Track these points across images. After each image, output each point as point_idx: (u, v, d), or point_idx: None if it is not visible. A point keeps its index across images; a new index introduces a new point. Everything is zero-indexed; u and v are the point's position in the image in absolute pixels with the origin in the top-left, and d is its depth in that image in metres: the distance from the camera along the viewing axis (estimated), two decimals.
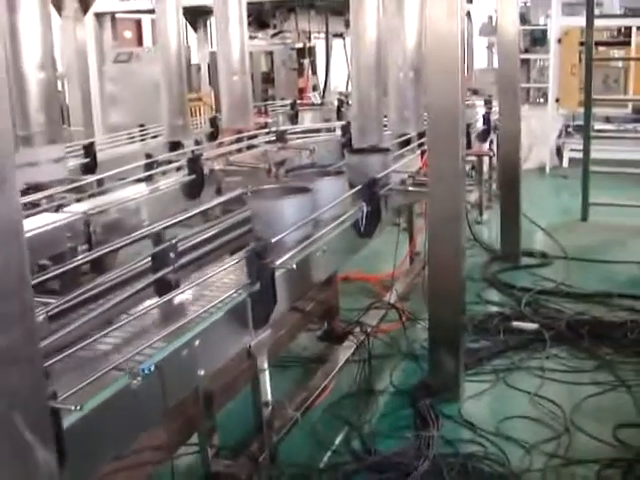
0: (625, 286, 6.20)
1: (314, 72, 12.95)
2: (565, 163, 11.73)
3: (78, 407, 1.92)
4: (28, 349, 1.73)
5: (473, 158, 7.71)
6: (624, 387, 4.55)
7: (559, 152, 11.89)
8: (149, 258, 3.00)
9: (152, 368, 2.27)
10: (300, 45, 12.59)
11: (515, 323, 5.42)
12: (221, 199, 4.57)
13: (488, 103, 8.63)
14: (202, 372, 2.62)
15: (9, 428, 1.68)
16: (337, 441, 4.05)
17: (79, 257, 3.50)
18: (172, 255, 2.98)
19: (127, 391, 2.21)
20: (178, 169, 5.50)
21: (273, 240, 3.13)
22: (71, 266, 3.31)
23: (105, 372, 2.17)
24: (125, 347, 2.42)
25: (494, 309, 5.87)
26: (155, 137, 7.47)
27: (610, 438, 3.99)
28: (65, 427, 1.95)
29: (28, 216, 4.20)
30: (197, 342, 2.57)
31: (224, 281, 3.05)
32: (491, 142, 8.36)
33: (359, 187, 4.16)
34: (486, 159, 8.63)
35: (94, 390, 2.12)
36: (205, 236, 3.61)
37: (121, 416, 2.23)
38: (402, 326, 5.33)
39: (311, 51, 12.81)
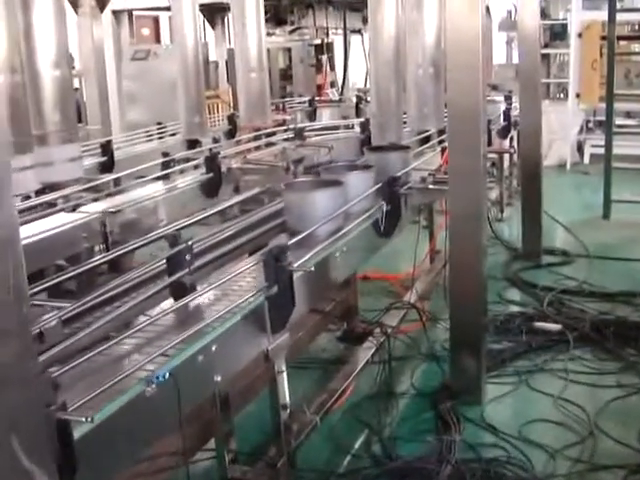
0: None
1: (332, 68, 12.90)
2: (586, 159, 11.60)
3: (89, 419, 1.85)
4: (24, 367, 1.64)
5: (494, 155, 7.61)
6: None
7: (580, 148, 11.76)
8: (165, 260, 2.94)
9: (167, 375, 2.21)
10: (318, 41, 12.54)
11: (538, 324, 5.34)
12: (239, 198, 4.53)
13: (508, 99, 8.53)
14: (218, 378, 2.56)
15: (7, 451, 1.59)
16: (357, 445, 3.98)
17: (95, 258, 3.46)
18: (188, 257, 2.92)
19: (141, 399, 2.15)
20: (196, 167, 5.46)
21: (290, 242, 3.05)
22: (87, 267, 3.27)
23: (118, 380, 2.10)
24: (139, 353, 2.36)
25: (516, 309, 5.79)
26: (173, 135, 7.44)
27: (636, 443, 3.89)
28: (76, 438, 1.88)
29: (44, 216, 4.18)
30: (213, 347, 2.50)
31: (241, 284, 2.99)
32: (512, 138, 8.27)
33: (379, 185, 4.08)
34: (507, 156, 8.53)
35: (107, 398, 2.06)
36: (222, 236, 3.57)
37: (135, 425, 2.16)
38: (423, 326, 5.25)
39: (329, 47, 12.76)
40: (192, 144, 6.76)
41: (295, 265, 2.94)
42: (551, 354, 4.97)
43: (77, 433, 1.90)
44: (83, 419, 1.85)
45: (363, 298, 5.35)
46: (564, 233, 7.58)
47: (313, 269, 3.04)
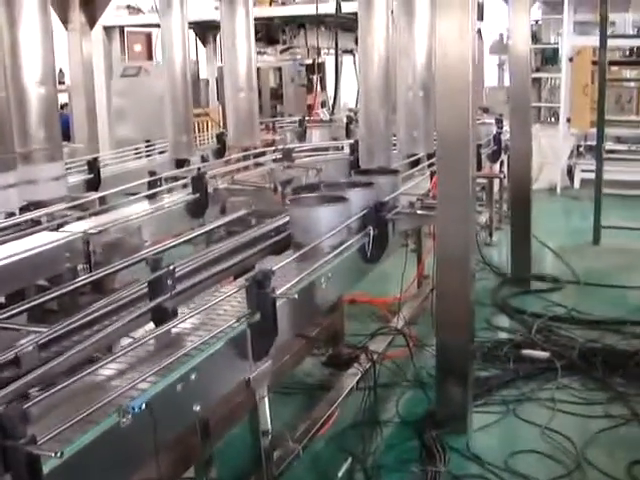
0: (639, 312, 6.06)
1: (323, 88, 12.89)
2: (576, 184, 11.61)
3: (58, 454, 1.80)
4: None
5: (484, 180, 7.61)
6: (638, 421, 4.41)
7: (570, 172, 11.77)
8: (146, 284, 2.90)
9: (143, 406, 2.15)
10: (309, 61, 12.53)
11: (525, 351, 5.30)
12: (225, 219, 4.50)
13: (499, 122, 8.53)
14: (198, 408, 2.51)
15: None
16: (340, 474, 3.92)
17: (77, 279, 3.43)
18: (169, 281, 2.87)
19: (115, 431, 2.09)
20: (184, 186, 5.42)
21: (275, 267, 3.01)
22: (69, 289, 3.23)
23: (92, 410, 2.05)
24: (115, 381, 2.30)
25: (504, 336, 5.75)
26: (162, 153, 7.40)
27: (624, 475, 3.85)
28: (46, 473, 1.83)
29: (27, 235, 4.14)
30: (193, 376, 2.45)
31: (224, 309, 2.94)
32: (502, 162, 8.27)
33: (365, 211, 4.05)
34: (497, 180, 8.52)
35: (80, 429, 2.00)
36: (206, 259, 3.53)
37: (109, 457, 2.10)
38: (409, 353, 5.20)
39: (320, 67, 12.74)
40: (180, 163, 6.72)
41: (278, 292, 2.89)
42: (539, 383, 4.93)
43: (47, 467, 1.84)
44: (52, 454, 1.80)
45: (349, 322, 5.31)
46: (554, 258, 7.57)
47: (297, 296, 2.99)
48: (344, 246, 3.76)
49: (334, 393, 4.53)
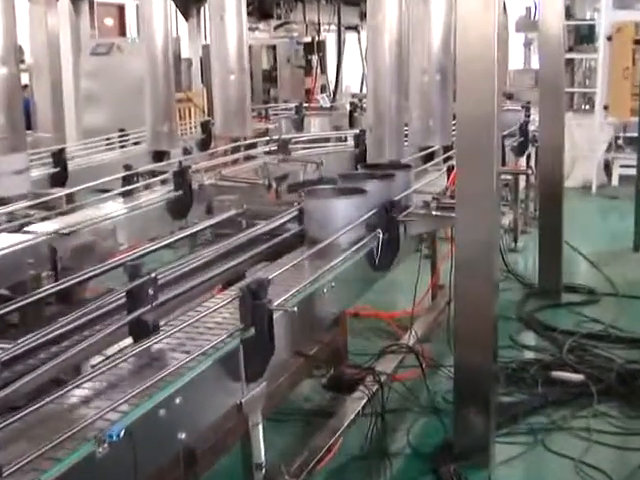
0: None
1: (323, 71, 12.95)
2: (615, 181, 11.67)
3: None
4: None
5: (508, 176, 7.63)
6: None
7: (607, 168, 11.82)
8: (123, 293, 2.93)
9: (122, 433, 2.18)
10: (308, 39, 12.58)
11: (556, 373, 5.33)
12: (212, 220, 4.52)
13: (525, 110, 8.56)
14: (183, 435, 2.53)
15: None
16: None
17: (42, 288, 3.44)
18: (150, 291, 2.90)
19: (91, 461, 2.11)
20: (163, 183, 5.44)
21: (272, 276, 3.04)
22: (33, 298, 3.25)
23: (64, 439, 2.07)
24: (89, 406, 2.32)
25: (531, 355, 5.79)
26: (138, 144, 7.43)
27: None
28: None
29: None
30: (177, 400, 2.47)
31: (212, 324, 2.96)
32: (529, 157, 8.30)
33: (373, 212, 4.08)
34: (523, 176, 8.56)
35: (50, 460, 2.03)
36: (192, 266, 3.55)
37: None
38: (422, 374, 5.23)
39: (320, 46, 12.80)
40: (159, 156, 6.75)
41: (275, 304, 2.92)
42: (571, 409, 4.96)
43: None
44: None
45: (353, 339, 5.33)
46: (588, 267, 7.60)
47: (296, 309, 3.01)
48: (349, 251, 3.79)
49: (336, 420, 4.55)
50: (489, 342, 4.36)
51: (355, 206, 4.05)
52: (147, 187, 5.46)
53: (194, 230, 4.37)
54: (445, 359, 5.28)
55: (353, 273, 3.85)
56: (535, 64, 12.40)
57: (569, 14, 13.38)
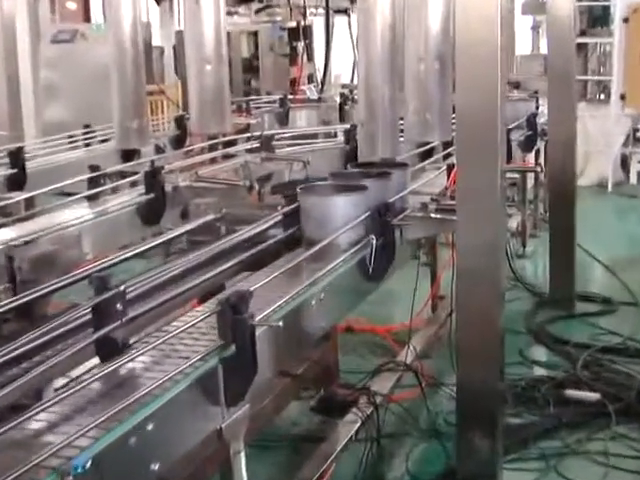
0: None
1: (310, 59, 12.96)
2: (633, 178, 11.71)
3: None
4: None
5: (515, 174, 7.65)
6: None
7: (625, 164, 11.86)
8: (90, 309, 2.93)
9: (88, 464, 2.18)
10: (293, 24, 12.59)
11: (569, 392, 5.35)
12: (188, 226, 4.52)
13: (534, 101, 8.59)
14: (156, 466, 2.53)
15: None
16: None
17: None
18: (119, 306, 2.90)
19: None
20: (133, 185, 5.45)
21: (254, 287, 3.05)
22: None
23: (24, 471, 2.07)
24: (52, 434, 2.32)
25: (542, 372, 5.82)
26: (105, 141, 7.42)
27: None
28: None
29: None
30: (150, 426, 2.47)
31: (188, 341, 2.96)
32: (538, 152, 8.32)
33: (366, 215, 4.09)
34: (531, 174, 8.58)
35: None
36: (165, 277, 3.56)
37: None
38: (422, 394, 5.25)
39: (307, 32, 12.81)
40: (128, 155, 6.75)
41: (258, 318, 2.92)
42: (587, 432, 4.98)
43: None
44: None
45: (345, 356, 5.34)
46: (604, 274, 7.62)
47: (281, 324, 3.02)
48: (340, 259, 3.80)
49: (327, 446, 4.55)
50: (495, 358, 4.37)
51: (350, 205, 4.09)
52: (115, 190, 5.46)
53: (168, 237, 4.36)
54: (447, 377, 5.29)
55: (344, 283, 3.85)
56: (544, 49, 12.41)
57: None
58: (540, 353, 6.18)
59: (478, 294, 4.31)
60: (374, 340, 6.21)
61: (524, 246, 8.66)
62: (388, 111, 5.64)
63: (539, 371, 5.85)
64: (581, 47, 13.04)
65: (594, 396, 5.29)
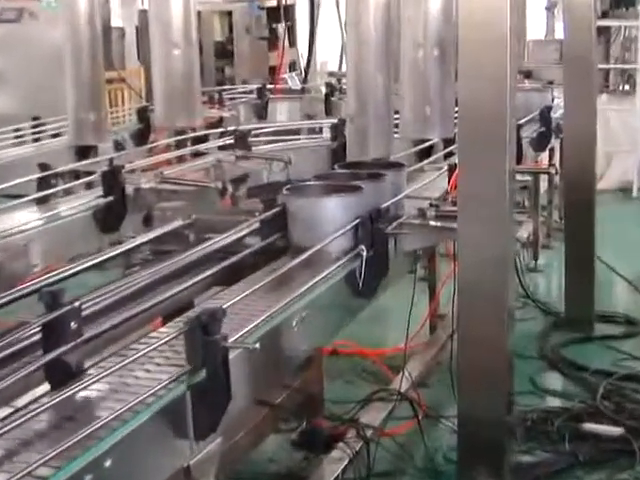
0: None
1: (292, 43, 12.98)
2: None
3: None
4: None
5: (526, 177, 7.67)
6: None
7: None
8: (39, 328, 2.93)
9: None
10: (272, 3, 12.61)
11: (588, 426, 5.35)
12: (152, 234, 4.53)
13: (548, 92, 8.62)
14: None
15: None
16: None
17: None
18: (73, 325, 2.91)
19: None
20: (89, 186, 5.45)
21: (227, 305, 3.06)
22: None
23: None
24: None
25: (556, 403, 5.82)
26: (56, 136, 7.42)
27: None
28: None
29: None
30: (107, 463, 2.48)
31: (151, 366, 2.97)
32: (552, 151, 8.34)
33: (356, 222, 4.10)
34: (544, 176, 8.60)
35: None
36: (126, 292, 3.57)
37: None
38: (418, 427, 5.25)
39: (288, 12, 12.84)
40: (84, 152, 6.75)
41: (232, 340, 2.93)
42: (607, 471, 5.00)
43: None
44: None
45: (331, 384, 5.34)
46: (627, 291, 7.63)
47: (258, 346, 3.03)
48: (326, 272, 3.81)
49: None
50: (502, 386, 4.39)
51: (339, 209, 4.13)
52: (68, 192, 5.46)
53: (129, 246, 4.37)
54: (447, 408, 5.30)
55: (331, 300, 3.86)
56: (560, 33, 12.44)
57: None
58: (554, 381, 6.19)
59: (483, 313, 4.33)
60: (364, 365, 6.21)
61: (536, 259, 8.67)
62: (381, 104, 5.66)
63: (553, 401, 5.85)
64: (602, 31, 13.07)
65: (616, 430, 5.30)
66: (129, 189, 5.20)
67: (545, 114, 7.91)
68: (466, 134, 4.25)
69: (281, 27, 12.53)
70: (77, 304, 2.94)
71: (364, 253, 4.04)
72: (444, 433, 5.27)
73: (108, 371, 2.81)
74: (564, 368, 6.33)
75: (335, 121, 6.79)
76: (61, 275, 3.81)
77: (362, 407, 5.31)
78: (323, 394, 5.14)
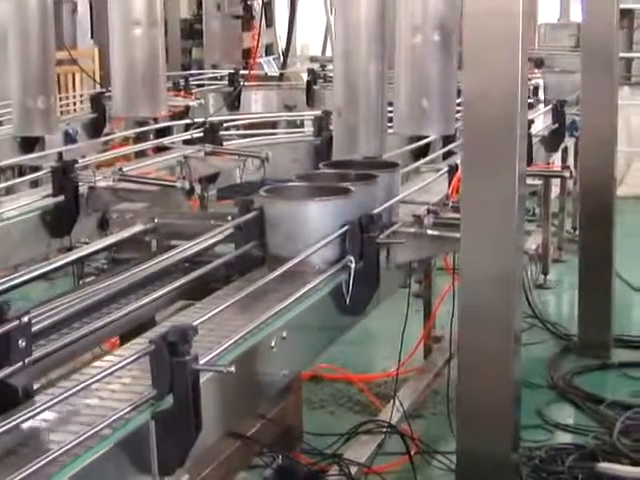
0: None
1: (270, 23, 13.00)
2: None
3: None
4: None
5: (536, 181, 7.71)
6: None
7: None
8: None
9: None
10: None
11: (603, 465, 5.36)
12: (109, 240, 4.54)
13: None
14: None
15: None
16: None
17: None
18: (21, 343, 2.92)
19: None
20: (35, 184, 5.46)
21: (197, 322, 3.08)
22: None
23: None
24: None
25: (567, 439, 5.83)
26: None
27: None
28: None
29: None
30: None
31: (111, 390, 2.98)
32: (566, 151, 8.37)
33: (343, 230, 4.12)
34: (557, 181, 8.63)
35: None
36: (80, 306, 3.57)
37: None
38: (410, 464, 5.27)
39: None
40: (30, 144, 6.75)
41: (203, 362, 2.94)
42: None
43: None
44: None
45: (312, 413, 5.37)
46: None
47: (233, 369, 3.04)
48: (309, 287, 3.82)
49: None
50: (507, 419, 4.42)
51: (325, 215, 4.15)
52: (12, 190, 5.47)
53: (82, 254, 4.37)
54: (443, 443, 5.33)
55: (314, 318, 3.88)
56: (576, 16, 12.51)
57: None
58: (566, 414, 6.22)
59: (485, 335, 4.36)
60: (349, 393, 6.22)
61: (545, 273, 8.69)
62: (373, 95, 5.69)
63: (564, 437, 5.87)
64: (625, 14, 13.11)
65: (635, 472, 5.32)
66: (82, 188, 5.19)
67: (558, 109, 7.94)
68: (471, 132, 4.28)
69: (257, 4, 12.56)
70: (26, 319, 2.94)
71: (352, 265, 4.06)
72: (440, 472, 5.29)
73: (60, 396, 2.81)
74: (577, 399, 6.35)
75: (319, 113, 6.81)
76: (4, 285, 3.82)
77: (346, 441, 5.34)
78: (302, 425, 5.16)
